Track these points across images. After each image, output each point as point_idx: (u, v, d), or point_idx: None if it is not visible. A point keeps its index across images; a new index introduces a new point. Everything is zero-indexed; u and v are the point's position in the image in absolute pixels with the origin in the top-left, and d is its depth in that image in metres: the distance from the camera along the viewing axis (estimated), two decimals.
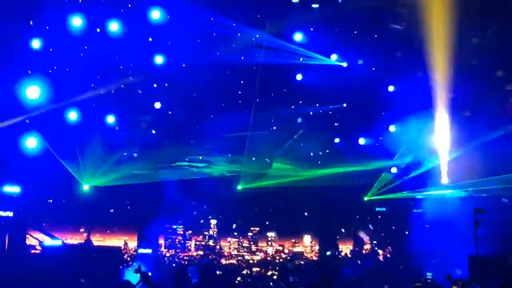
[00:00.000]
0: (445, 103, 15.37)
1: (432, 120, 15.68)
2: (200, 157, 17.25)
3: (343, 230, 18.80)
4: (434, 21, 13.77)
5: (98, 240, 16.83)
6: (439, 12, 13.52)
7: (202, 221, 18.34)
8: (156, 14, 14.90)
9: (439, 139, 15.97)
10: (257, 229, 18.75)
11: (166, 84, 16.43)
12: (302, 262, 18.55)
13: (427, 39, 14.15)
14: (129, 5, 14.92)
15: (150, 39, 15.53)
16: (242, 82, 16.77)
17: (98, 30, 14.82)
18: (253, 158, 17.10)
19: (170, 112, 16.69)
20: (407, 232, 17.14)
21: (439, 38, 14.10)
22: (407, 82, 15.96)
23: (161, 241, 17.81)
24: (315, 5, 15.95)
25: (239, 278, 17.10)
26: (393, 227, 18.12)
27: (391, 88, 16.77)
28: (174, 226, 18.05)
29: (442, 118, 15.59)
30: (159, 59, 15.67)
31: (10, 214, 14.19)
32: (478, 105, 15.45)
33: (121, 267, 15.19)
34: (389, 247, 18.40)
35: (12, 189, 14.43)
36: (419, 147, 16.32)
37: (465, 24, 13.81)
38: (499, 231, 13.85)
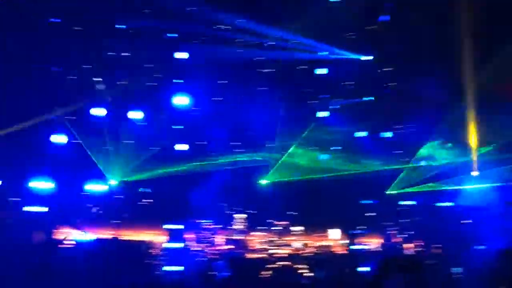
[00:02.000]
0: (474, 94, 15.29)
1: (461, 112, 15.61)
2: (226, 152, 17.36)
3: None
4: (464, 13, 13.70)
5: (127, 235, 16.97)
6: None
7: (229, 215, 18.42)
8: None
9: (469, 131, 15.89)
10: (285, 223, 18.75)
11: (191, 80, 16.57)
12: (330, 256, 18.51)
13: (456, 30, 14.09)
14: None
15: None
16: (268, 75, 16.84)
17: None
18: (282, 151, 17.15)
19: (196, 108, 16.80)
20: (436, 226, 17.09)
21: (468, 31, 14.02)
22: (435, 74, 15.90)
23: (189, 236, 17.90)
24: None
25: (267, 272, 17.11)
26: (422, 221, 18.05)
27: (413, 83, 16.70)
28: (202, 221, 18.13)
29: (471, 110, 15.51)
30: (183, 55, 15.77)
31: (45, 209, 14.43)
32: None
33: (150, 262, 15.33)
34: (418, 241, 18.28)
35: (45, 185, 14.64)
36: (448, 139, 16.26)
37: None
38: None
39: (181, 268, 12.93)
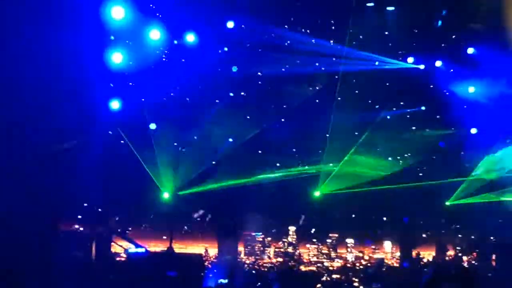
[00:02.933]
0: None
1: None
2: (278, 164, 17.38)
3: (424, 235, 18.40)
4: None
5: (180, 248, 17.16)
6: None
7: (280, 227, 18.39)
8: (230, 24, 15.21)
9: None
10: (336, 235, 18.60)
11: (243, 93, 16.70)
12: (384, 269, 18.27)
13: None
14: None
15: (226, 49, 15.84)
16: (320, 88, 16.83)
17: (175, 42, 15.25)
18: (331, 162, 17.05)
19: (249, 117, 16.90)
20: (493, 238, 16.63)
21: None
22: (489, 83, 15.55)
23: (241, 248, 17.98)
24: (390, 8, 15.80)
25: (319, 285, 17.01)
26: (479, 232, 17.58)
27: (471, 90, 16.33)
28: (253, 233, 18.18)
29: None
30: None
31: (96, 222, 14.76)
32: None
33: (202, 274, 15.46)
34: (474, 253, 17.83)
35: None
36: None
37: None
38: None
39: (230, 281, 12.94)
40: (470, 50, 15.97)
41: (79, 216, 15.54)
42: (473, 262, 17.73)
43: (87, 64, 13.86)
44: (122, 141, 15.37)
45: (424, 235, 18.22)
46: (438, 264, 17.66)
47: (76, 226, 15.50)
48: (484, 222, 17.30)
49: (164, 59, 15.24)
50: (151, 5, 14.44)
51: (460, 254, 18.21)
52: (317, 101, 16.86)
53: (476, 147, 16.30)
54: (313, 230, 18.52)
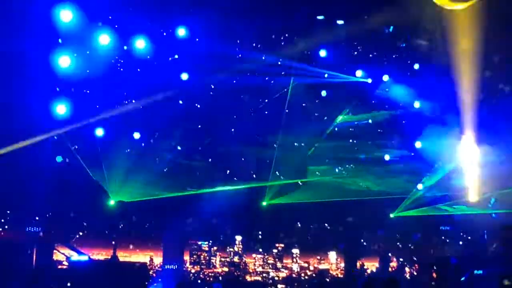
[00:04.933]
0: (472, 119, 15.29)
1: (459, 136, 15.62)
2: (228, 171, 17.37)
3: (368, 246, 18.69)
4: (461, 37, 13.73)
5: (124, 256, 16.91)
6: (467, 27, 13.45)
7: (227, 237, 18.35)
8: (182, 32, 15.17)
9: (467, 155, 15.89)
10: (282, 245, 18.68)
11: (193, 102, 16.65)
12: (328, 280, 18.44)
13: (455, 55, 14.15)
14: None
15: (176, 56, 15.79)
16: (270, 100, 16.93)
17: (125, 47, 15.09)
18: (279, 174, 17.14)
19: (199, 126, 16.85)
20: (433, 251, 17.04)
21: (466, 54, 14.06)
22: (433, 98, 15.98)
23: (186, 257, 17.85)
24: (340, 22, 16.04)
25: None
26: (421, 244, 17.98)
27: (417, 105, 16.74)
28: (199, 242, 18.09)
29: (469, 135, 15.51)
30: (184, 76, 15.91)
31: (38, 229, 14.42)
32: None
33: (147, 283, 15.28)
34: (416, 265, 18.20)
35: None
36: (446, 164, 16.26)
37: (494, 39, 13.73)
38: None
39: None
40: (416, 66, 16.41)
41: (21, 222, 15.16)
42: (414, 273, 18.11)
43: (32, 66, 13.60)
44: (67, 146, 15.10)
45: (368, 246, 18.50)
46: (370, 274, 18.10)
47: (17, 233, 15.10)
48: (426, 235, 17.77)
49: (113, 64, 15.07)
50: (101, 10, 14.27)
51: (402, 266, 18.55)
52: (266, 112, 16.98)
53: (420, 161, 16.70)
54: (259, 241, 18.54)
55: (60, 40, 14.03)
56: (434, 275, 15.58)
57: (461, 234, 17.56)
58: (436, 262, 15.92)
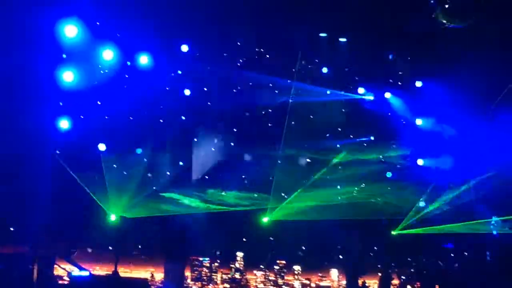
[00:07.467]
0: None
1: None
2: (224, 193, 17.41)
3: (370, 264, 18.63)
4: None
5: (125, 272, 16.84)
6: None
7: (228, 253, 18.29)
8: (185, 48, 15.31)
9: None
10: (284, 262, 18.60)
11: (195, 118, 16.72)
12: None
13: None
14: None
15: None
16: (268, 118, 17.01)
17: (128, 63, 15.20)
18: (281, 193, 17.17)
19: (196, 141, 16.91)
20: (438, 267, 16.98)
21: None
22: (436, 116, 16.06)
23: (188, 273, 17.76)
24: (342, 39, 16.14)
25: None
26: (424, 261, 17.94)
27: (419, 122, 16.79)
28: (201, 258, 18.02)
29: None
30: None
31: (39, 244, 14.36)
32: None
33: None
34: (418, 283, 18.13)
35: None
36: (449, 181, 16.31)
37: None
38: None
39: None
40: (418, 84, 16.48)
41: (21, 237, 15.12)
42: None
43: (37, 81, 13.67)
44: (69, 161, 15.12)
45: (369, 263, 18.43)
46: None
47: (18, 247, 15.05)
48: (428, 252, 17.72)
49: (116, 80, 15.15)
50: (105, 25, 14.38)
51: (404, 283, 18.47)
52: (267, 129, 17.03)
53: (422, 178, 16.72)
54: (261, 257, 18.47)
55: (64, 55, 14.13)
56: None
57: (464, 252, 17.51)
58: (438, 280, 15.90)
